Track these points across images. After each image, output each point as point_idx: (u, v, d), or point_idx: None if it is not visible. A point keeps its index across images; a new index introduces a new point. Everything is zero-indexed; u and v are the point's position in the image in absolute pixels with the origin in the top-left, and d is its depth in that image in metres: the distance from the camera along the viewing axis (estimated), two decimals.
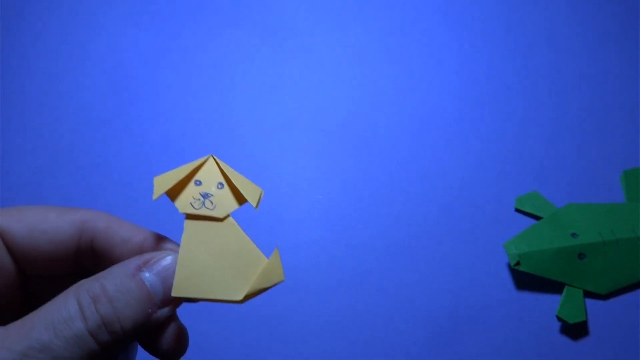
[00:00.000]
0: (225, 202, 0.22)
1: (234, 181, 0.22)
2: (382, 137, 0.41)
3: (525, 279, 0.37)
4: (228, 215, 0.22)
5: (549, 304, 0.36)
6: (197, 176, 0.22)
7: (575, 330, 0.35)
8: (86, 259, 0.22)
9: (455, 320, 0.36)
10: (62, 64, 0.44)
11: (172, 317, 0.20)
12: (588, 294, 0.36)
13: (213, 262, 0.20)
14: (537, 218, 0.38)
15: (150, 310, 0.19)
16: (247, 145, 0.41)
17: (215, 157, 0.22)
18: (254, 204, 0.22)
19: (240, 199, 0.22)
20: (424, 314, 0.36)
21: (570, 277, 0.35)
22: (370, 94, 0.43)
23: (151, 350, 0.20)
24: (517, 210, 0.39)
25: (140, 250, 0.21)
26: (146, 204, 0.39)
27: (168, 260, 0.20)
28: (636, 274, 0.36)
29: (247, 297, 0.20)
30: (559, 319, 0.35)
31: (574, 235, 0.36)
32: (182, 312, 0.33)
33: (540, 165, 0.40)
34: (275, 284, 0.20)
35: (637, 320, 0.36)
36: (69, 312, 0.17)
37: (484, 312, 0.36)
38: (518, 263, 0.35)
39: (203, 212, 0.21)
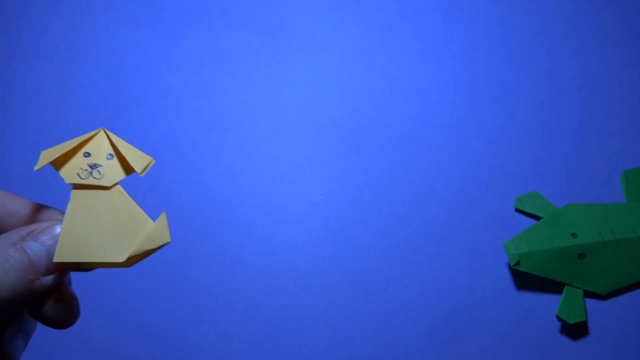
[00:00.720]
0: (113, 172, 0.22)
1: (122, 151, 0.22)
2: (381, 137, 0.41)
3: (526, 279, 0.37)
4: (116, 184, 0.22)
5: (549, 304, 0.36)
6: (86, 148, 0.23)
7: (575, 330, 0.35)
8: None
9: (455, 320, 0.36)
10: (62, 64, 0.44)
11: (61, 285, 0.21)
12: (588, 294, 0.36)
13: (98, 228, 0.21)
14: (537, 218, 0.38)
15: (32, 277, 0.19)
16: (247, 145, 0.41)
17: (106, 130, 0.23)
18: (139, 171, 0.22)
19: (129, 168, 0.22)
20: (424, 314, 0.36)
21: (570, 277, 0.35)
22: (370, 94, 0.43)
23: (39, 318, 0.21)
24: (517, 210, 0.39)
25: (27, 222, 0.22)
26: (146, 203, 0.39)
27: (53, 229, 0.21)
28: (636, 274, 0.36)
29: (133, 260, 0.21)
30: (559, 319, 0.35)
31: (574, 235, 0.36)
32: (182, 311, 0.33)
33: (540, 165, 0.40)
34: (161, 246, 0.21)
35: (637, 321, 0.36)
36: None
37: (484, 312, 0.36)
38: (518, 263, 0.35)
39: (90, 181, 0.22)
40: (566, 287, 0.36)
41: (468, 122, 0.42)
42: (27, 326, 0.23)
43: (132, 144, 0.23)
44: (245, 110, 0.42)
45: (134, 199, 0.22)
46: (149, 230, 0.21)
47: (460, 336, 0.35)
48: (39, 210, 0.22)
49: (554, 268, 0.35)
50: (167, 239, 0.21)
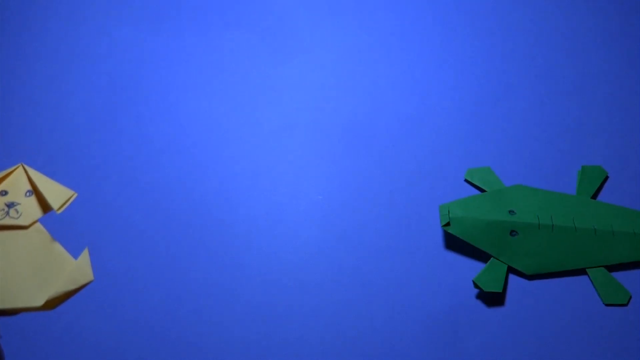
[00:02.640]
0: (31, 210, 0.21)
1: (39, 187, 0.21)
2: (382, 138, 0.41)
3: (525, 281, 0.37)
4: (35, 222, 0.21)
5: (549, 304, 0.36)
6: (3, 186, 0.22)
7: (491, 298, 0.35)
8: None
9: (455, 320, 0.36)
10: (62, 64, 0.44)
11: None
12: (515, 272, 0.37)
13: (15, 271, 0.20)
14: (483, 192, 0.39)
15: None
16: (247, 145, 0.41)
17: (25, 166, 0.22)
18: (56, 207, 0.21)
19: (45, 206, 0.21)
20: (424, 314, 0.36)
21: (498, 251, 0.36)
22: (370, 94, 0.43)
23: None
24: (466, 181, 0.39)
25: None
26: (146, 203, 0.39)
27: None
28: (565, 262, 0.36)
29: (55, 302, 0.20)
30: (475, 285, 0.35)
31: (511, 212, 0.37)
32: (181, 312, 0.33)
33: (540, 164, 0.40)
34: (84, 285, 0.20)
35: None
36: None
37: (484, 312, 0.36)
38: (448, 224, 0.36)
39: (6, 221, 0.21)
40: (492, 258, 0.36)
41: (468, 123, 0.42)
42: None
43: (52, 180, 0.21)
44: (245, 110, 0.42)
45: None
46: (70, 269, 0.20)
47: (461, 336, 0.35)
48: None
49: (483, 238, 0.36)
50: (90, 277, 0.21)
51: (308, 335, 0.35)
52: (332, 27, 0.46)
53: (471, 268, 0.37)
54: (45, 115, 0.42)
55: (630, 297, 0.36)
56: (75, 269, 0.21)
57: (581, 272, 0.37)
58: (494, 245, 0.36)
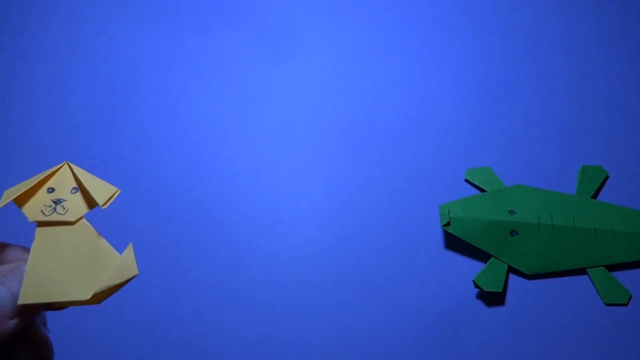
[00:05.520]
0: (77, 206, 0.22)
1: (85, 184, 0.22)
2: (381, 138, 0.41)
3: (526, 281, 0.37)
4: (81, 218, 0.22)
5: (549, 304, 0.36)
6: (50, 183, 0.22)
7: (492, 298, 0.35)
8: None
9: (455, 320, 0.36)
10: (62, 64, 0.44)
11: (31, 327, 0.20)
12: (514, 272, 0.37)
13: (63, 266, 0.21)
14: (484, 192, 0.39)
15: None
16: (247, 145, 0.41)
17: (70, 164, 0.23)
18: (101, 203, 0.22)
19: (94, 201, 0.22)
20: (424, 314, 0.36)
21: (498, 250, 0.36)
22: (370, 94, 0.43)
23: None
24: (466, 181, 0.39)
25: None
26: (146, 203, 0.39)
27: (19, 271, 0.20)
28: (565, 262, 0.36)
29: (101, 296, 0.20)
30: (476, 285, 0.35)
31: (511, 212, 0.37)
32: (181, 312, 0.33)
33: (540, 165, 0.40)
34: (129, 280, 0.21)
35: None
36: None
37: (485, 312, 0.36)
38: (448, 224, 0.36)
39: (54, 217, 0.21)
40: (492, 258, 0.36)
41: (468, 123, 0.42)
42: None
43: (95, 175, 0.22)
44: (245, 110, 0.42)
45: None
46: (116, 264, 0.21)
47: (461, 336, 0.35)
48: (3, 249, 0.21)
49: (483, 238, 0.36)
50: (135, 272, 0.21)
51: (308, 335, 0.35)
52: (332, 27, 0.46)
53: (471, 268, 0.37)
54: (46, 115, 0.42)
55: (631, 297, 0.36)
56: (121, 264, 0.21)
57: (581, 271, 0.37)
58: (494, 245, 0.36)
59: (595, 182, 0.39)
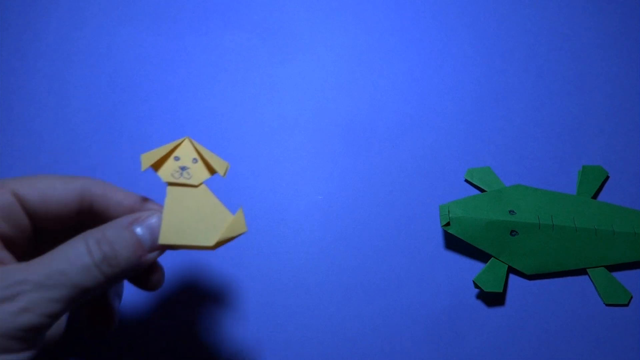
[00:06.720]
0: (199, 173, 0.27)
1: (205, 157, 0.27)
2: (382, 138, 0.41)
3: (526, 281, 0.37)
4: (201, 183, 0.27)
5: (549, 304, 0.36)
6: (176, 153, 0.27)
7: (491, 298, 0.35)
8: (86, 217, 0.27)
9: (455, 320, 0.36)
10: (62, 64, 0.44)
11: (155, 262, 0.27)
12: (514, 272, 0.37)
13: (190, 218, 0.26)
14: (483, 192, 0.39)
15: (140, 254, 0.25)
16: (247, 145, 0.41)
17: (190, 138, 0.28)
18: (222, 173, 0.27)
19: (210, 170, 0.27)
20: (424, 314, 0.36)
21: (498, 251, 0.36)
22: (370, 94, 0.43)
23: (137, 284, 0.27)
24: (466, 181, 0.39)
25: (131, 211, 0.27)
26: None
27: (154, 218, 0.26)
28: (565, 262, 0.36)
29: (218, 244, 0.26)
30: (476, 285, 0.35)
31: (511, 212, 0.36)
32: (181, 312, 0.33)
33: (540, 165, 0.40)
34: (239, 234, 0.26)
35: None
36: (79, 249, 0.23)
37: (485, 312, 0.36)
38: (448, 224, 0.36)
39: (182, 180, 0.27)
40: (492, 258, 0.36)
41: (468, 123, 0.42)
42: (121, 290, 0.30)
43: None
44: (245, 110, 0.42)
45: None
46: (230, 221, 0.26)
47: (461, 336, 0.35)
48: (137, 200, 0.27)
49: (483, 238, 0.36)
50: (245, 229, 0.27)
51: (307, 335, 0.35)
52: (332, 27, 0.46)
53: (471, 268, 0.37)
54: (46, 115, 0.42)
55: (631, 298, 0.36)
56: (234, 222, 0.26)
57: (581, 272, 0.37)
58: (494, 245, 0.36)
59: (596, 182, 0.39)
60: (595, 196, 0.39)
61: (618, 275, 0.37)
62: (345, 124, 0.42)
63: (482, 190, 0.39)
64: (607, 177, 0.40)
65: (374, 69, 0.44)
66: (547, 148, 0.41)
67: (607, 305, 0.36)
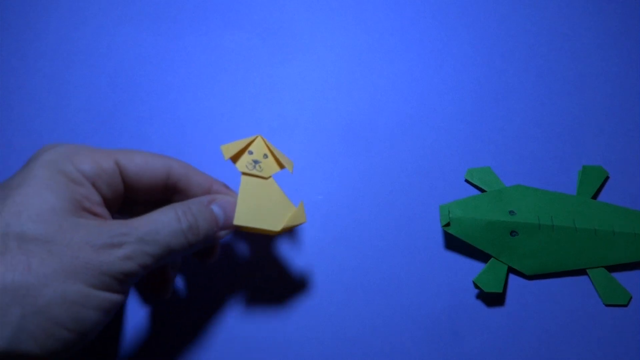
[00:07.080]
0: (269, 167, 0.31)
1: (274, 153, 0.31)
2: (382, 138, 0.41)
3: (526, 281, 0.37)
4: (270, 176, 0.31)
5: (549, 304, 0.36)
6: (250, 148, 0.31)
7: (491, 299, 0.35)
8: (170, 193, 0.30)
9: (455, 320, 0.36)
10: (62, 64, 0.44)
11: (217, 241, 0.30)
12: (514, 272, 0.37)
13: (261, 205, 0.29)
14: (483, 192, 0.39)
15: (215, 229, 0.29)
16: None
17: (262, 136, 0.32)
18: (291, 170, 0.32)
19: (279, 165, 0.31)
20: (424, 314, 0.36)
21: (498, 251, 0.36)
22: (370, 94, 0.43)
23: (201, 257, 0.32)
24: (466, 181, 0.39)
25: (207, 192, 0.31)
26: None
27: (228, 200, 0.30)
28: (565, 263, 0.36)
29: (282, 230, 0.29)
30: (476, 285, 0.35)
31: (511, 212, 0.37)
32: (181, 312, 0.33)
33: (540, 165, 0.40)
34: (300, 224, 0.31)
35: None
36: (170, 216, 0.27)
37: (485, 312, 0.36)
38: (448, 224, 0.36)
39: (255, 172, 0.30)
40: (492, 258, 0.36)
41: (468, 123, 0.42)
42: (179, 263, 0.34)
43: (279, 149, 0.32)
44: (245, 110, 0.42)
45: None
46: (293, 212, 0.30)
47: (461, 336, 0.35)
48: (213, 183, 0.31)
49: (483, 238, 0.36)
50: (304, 220, 0.31)
51: (307, 335, 0.35)
52: (332, 27, 0.46)
53: (471, 268, 0.37)
54: (46, 115, 0.42)
55: (631, 298, 0.36)
56: (297, 213, 0.30)
57: (581, 272, 0.37)
58: (494, 245, 0.36)
59: (596, 182, 0.39)
60: (595, 196, 0.39)
61: (618, 276, 0.37)
62: (345, 123, 0.42)
63: (482, 191, 0.39)
64: (607, 177, 0.40)
65: (374, 69, 0.44)
66: (547, 148, 0.41)
67: (606, 305, 0.36)
